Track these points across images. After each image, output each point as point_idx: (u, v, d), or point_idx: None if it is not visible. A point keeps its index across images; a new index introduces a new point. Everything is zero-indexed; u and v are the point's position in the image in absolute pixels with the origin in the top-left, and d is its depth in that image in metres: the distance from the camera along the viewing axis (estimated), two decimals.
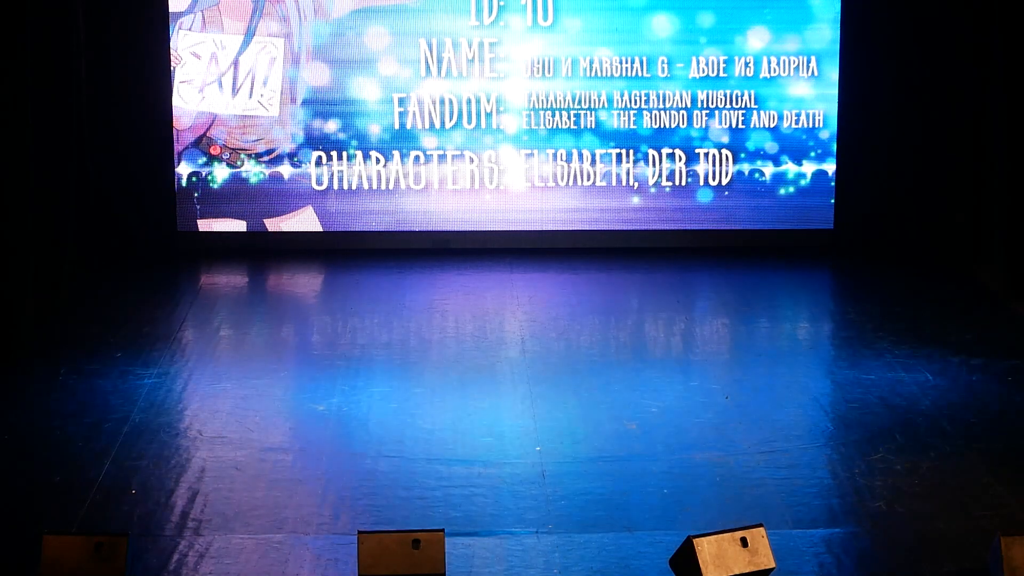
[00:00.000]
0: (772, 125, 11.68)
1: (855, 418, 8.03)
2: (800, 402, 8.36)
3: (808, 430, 7.86)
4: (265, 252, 11.62)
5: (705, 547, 5.72)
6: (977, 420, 7.97)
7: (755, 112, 11.67)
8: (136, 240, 11.45)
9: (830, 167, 11.71)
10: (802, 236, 11.81)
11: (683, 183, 11.72)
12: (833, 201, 11.70)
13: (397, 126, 11.56)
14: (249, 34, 11.37)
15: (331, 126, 11.59)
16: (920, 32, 11.31)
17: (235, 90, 11.46)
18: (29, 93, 9.48)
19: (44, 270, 9.89)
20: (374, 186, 11.68)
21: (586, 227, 11.75)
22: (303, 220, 11.69)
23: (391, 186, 11.67)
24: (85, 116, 10.83)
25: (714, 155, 11.71)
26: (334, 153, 11.63)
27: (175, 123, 11.39)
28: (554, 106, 11.56)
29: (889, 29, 11.40)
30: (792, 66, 11.59)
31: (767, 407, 8.23)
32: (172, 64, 11.31)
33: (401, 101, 11.54)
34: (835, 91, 11.59)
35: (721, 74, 11.58)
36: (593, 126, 11.62)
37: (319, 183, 11.63)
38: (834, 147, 11.66)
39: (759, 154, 11.73)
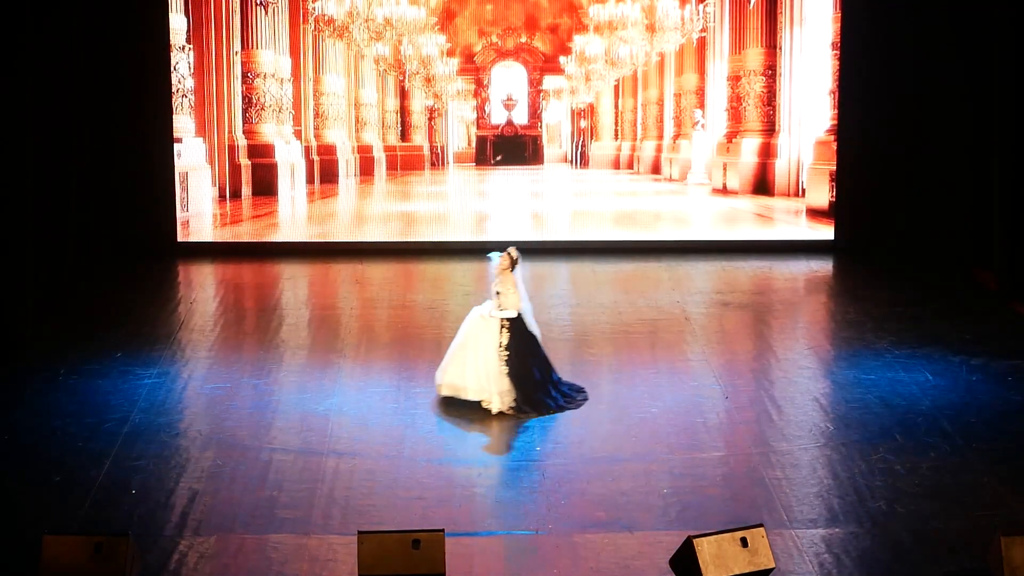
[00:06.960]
0: None
1: (855, 418, 8.03)
2: (800, 402, 8.35)
3: (808, 430, 7.85)
4: (265, 253, 11.62)
5: (705, 547, 5.72)
6: (977, 420, 7.96)
7: None
8: (136, 240, 11.46)
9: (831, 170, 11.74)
10: (803, 237, 11.84)
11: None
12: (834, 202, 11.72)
13: None
14: None
15: None
16: (920, 37, 11.32)
17: None
18: (29, 94, 9.49)
19: (44, 270, 9.89)
20: None
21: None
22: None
23: None
24: (85, 117, 10.83)
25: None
26: None
27: None
28: None
29: (889, 32, 11.41)
30: None
31: (767, 407, 8.23)
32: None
33: None
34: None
35: None
36: None
37: None
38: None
39: None
